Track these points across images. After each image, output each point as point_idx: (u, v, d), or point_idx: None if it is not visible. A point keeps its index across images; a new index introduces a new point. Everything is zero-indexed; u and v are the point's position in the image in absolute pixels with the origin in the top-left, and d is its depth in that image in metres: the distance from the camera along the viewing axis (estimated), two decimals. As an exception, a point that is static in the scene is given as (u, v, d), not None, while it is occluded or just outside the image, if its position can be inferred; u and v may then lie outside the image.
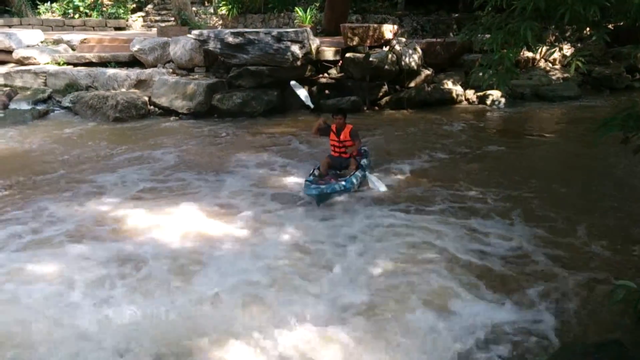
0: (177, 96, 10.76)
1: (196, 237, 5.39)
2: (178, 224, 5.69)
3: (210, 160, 7.93)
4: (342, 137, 6.81)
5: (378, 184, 6.45)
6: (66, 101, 11.00)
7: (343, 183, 6.33)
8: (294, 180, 7.02)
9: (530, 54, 13.10)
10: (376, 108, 11.52)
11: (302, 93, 7.78)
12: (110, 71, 11.62)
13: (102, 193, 6.60)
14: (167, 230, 5.51)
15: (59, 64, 12.29)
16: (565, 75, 13.69)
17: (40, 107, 10.83)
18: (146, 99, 10.87)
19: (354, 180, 6.51)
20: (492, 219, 5.79)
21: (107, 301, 4.25)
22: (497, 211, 5.98)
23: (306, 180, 6.41)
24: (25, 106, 10.80)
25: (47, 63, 12.31)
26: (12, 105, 10.75)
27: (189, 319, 4.02)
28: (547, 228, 5.55)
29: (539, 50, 10.41)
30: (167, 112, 10.81)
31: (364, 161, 6.96)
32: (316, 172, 6.70)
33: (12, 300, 4.24)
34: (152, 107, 10.91)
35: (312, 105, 7.63)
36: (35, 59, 12.32)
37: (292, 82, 8.03)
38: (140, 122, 10.34)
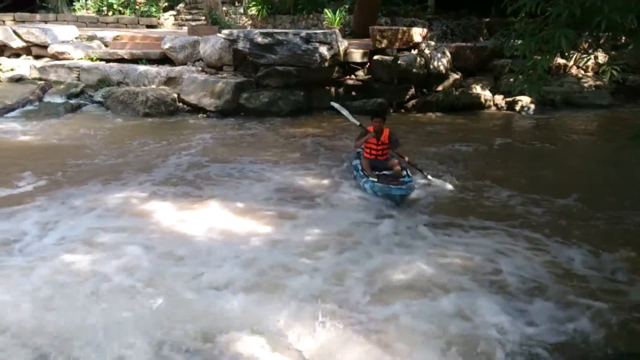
0: (205, 94, 10.88)
1: (220, 232, 5.44)
2: (203, 219, 5.74)
3: (237, 158, 7.98)
4: (381, 140, 6.72)
5: (443, 184, 6.63)
6: (98, 96, 11.23)
7: (412, 183, 6.38)
8: (319, 180, 7.05)
9: (562, 61, 12.87)
10: (402, 111, 11.47)
11: (345, 112, 7.78)
12: (141, 68, 11.81)
13: (130, 186, 6.71)
14: (192, 225, 5.57)
15: (92, 59, 12.54)
16: (598, 82, 13.40)
17: (73, 101, 11.06)
18: (175, 96, 11.03)
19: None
20: (525, 222, 5.76)
21: (135, 291, 4.31)
22: (530, 215, 5.93)
23: (370, 182, 6.36)
24: (58, 100, 11.05)
25: (81, 58, 12.58)
26: (47, 99, 11.01)
27: (211, 312, 4.05)
28: (585, 235, 5.48)
29: (572, 57, 10.24)
30: (195, 109, 10.94)
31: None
32: (366, 173, 6.57)
33: (44, 290, 4.32)
34: (180, 104, 11.06)
35: (357, 123, 7.47)
36: (69, 54, 12.60)
37: (334, 104, 8.14)
38: (169, 119, 10.50)
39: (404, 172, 6.60)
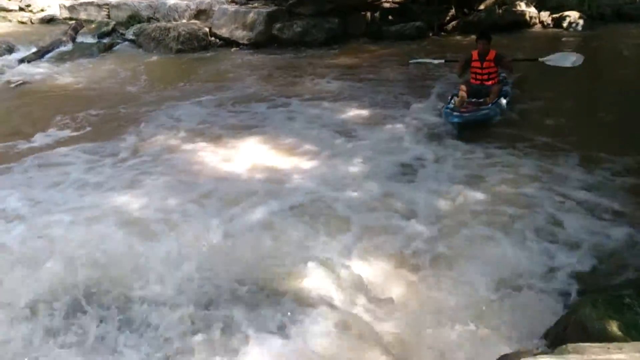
0: (237, 26, 10.62)
1: (264, 169, 5.37)
2: (246, 156, 5.67)
3: (274, 92, 7.84)
4: (485, 63, 6.38)
5: (571, 59, 6.35)
6: (129, 34, 11.10)
7: (486, 111, 6.06)
8: (361, 112, 6.87)
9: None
10: (443, 34, 10.96)
11: (426, 60, 7.62)
12: (171, 1, 11.58)
13: (171, 126, 6.64)
14: (236, 164, 5.51)
15: (120, -5, 12.30)
16: (653, -9, 12.45)
17: (105, 41, 10.97)
18: (207, 30, 10.81)
19: (497, 109, 6.20)
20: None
21: (182, 229, 4.27)
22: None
23: (445, 108, 6.16)
24: (91, 40, 10.98)
25: (109, -6, 12.35)
26: (79, 39, 10.94)
27: (261, 246, 4.05)
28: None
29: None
30: (228, 42, 10.73)
31: (505, 89, 6.53)
32: (455, 100, 6.33)
33: (97, 230, 4.33)
34: (212, 38, 10.85)
35: (442, 61, 7.35)
36: (97, -10, 12.38)
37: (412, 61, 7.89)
38: (202, 54, 10.34)
39: (490, 102, 6.20)
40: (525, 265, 3.74)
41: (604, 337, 2.66)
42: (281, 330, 3.18)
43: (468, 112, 5.98)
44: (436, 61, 7.32)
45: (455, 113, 5.92)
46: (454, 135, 5.85)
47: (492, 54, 6.36)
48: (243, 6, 11.05)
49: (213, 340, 3.12)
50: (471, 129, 5.88)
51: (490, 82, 6.39)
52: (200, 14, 11.27)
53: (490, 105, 6.13)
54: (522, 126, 6.18)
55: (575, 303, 3.16)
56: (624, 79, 8.00)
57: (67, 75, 9.11)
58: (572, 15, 11.12)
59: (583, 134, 5.91)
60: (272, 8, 10.85)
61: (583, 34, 10.68)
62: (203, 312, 3.36)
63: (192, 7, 11.33)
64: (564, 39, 10.51)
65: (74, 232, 4.25)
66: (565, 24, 11.13)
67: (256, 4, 11.17)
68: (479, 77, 6.44)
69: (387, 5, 11.14)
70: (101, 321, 3.31)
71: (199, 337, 3.13)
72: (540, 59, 6.45)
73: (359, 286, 3.55)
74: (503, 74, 6.64)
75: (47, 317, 3.33)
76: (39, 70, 9.40)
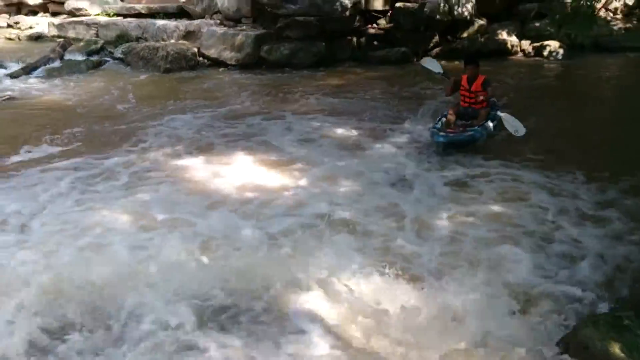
0: (225, 47, 10.74)
1: (255, 186, 5.35)
2: (236, 174, 5.67)
3: (263, 111, 7.90)
4: (473, 87, 6.50)
5: (517, 126, 6.10)
6: (118, 52, 11.15)
7: (471, 133, 6.19)
8: (352, 127, 7.03)
9: (590, 3, 12.38)
10: (427, 60, 11.21)
11: (432, 66, 7.50)
12: (160, 22, 11.68)
13: (160, 144, 6.61)
14: (226, 180, 5.50)
15: (109, 15, 12.43)
16: (628, 25, 12.96)
17: (93, 58, 11.00)
18: (195, 50, 10.90)
19: (483, 131, 6.30)
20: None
21: (171, 250, 4.12)
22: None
23: (433, 128, 6.30)
24: (79, 57, 10.98)
25: (98, 14, 12.50)
26: (68, 56, 10.94)
27: (252, 267, 3.91)
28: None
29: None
30: (216, 63, 10.83)
31: (493, 112, 6.60)
32: (443, 120, 6.47)
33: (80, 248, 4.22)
34: (201, 58, 10.94)
35: (441, 72, 7.32)
36: (86, 10, 12.53)
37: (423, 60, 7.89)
38: (190, 73, 10.41)
39: (477, 126, 6.31)
40: (527, 280, 3.75)
41: (607, 359, 2.71)
42: (278, 348, 3.13)
43: (453, 132, 6.16)
44: (436, 70, 7.34)
45: (441, 133, 6.10)
46: (441, 152, 5.99)
47: (480, 79, 6.48)
48: (231, 29, 11.19)
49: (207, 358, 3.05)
50: (456, 149, 6.03)
51: (478, 106, 6.51)
52: (188, 35, 11.38)
53: (476, 127, 6.27)
54: (511, 144, 6.33)
55: (577, 323, 3.15)
56: (605, 105, 8.28)
57: (55, 91, 9.12)
58: (552, 44, 11.45)
59: (572, 152, 6.17)
60: (261, 31, 11.00)
61: (563, 63, 11.04)
62: (193, 329, 3.26)
63: (181, 28, 11.44)
64: (545, 66, 10.83)
65: (62, 243, 4.21)
66: (545, 53, 11.46)
67: (244, 27, 11.32)
68: (467, 100, 6.58)
69: (372, 31, 11.37)
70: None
71: (190, 354, 3.06)
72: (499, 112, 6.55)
73: (356, 302, 3.51)
74: (493, 99, 6.77)
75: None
76: (27, 85, 9.42)
